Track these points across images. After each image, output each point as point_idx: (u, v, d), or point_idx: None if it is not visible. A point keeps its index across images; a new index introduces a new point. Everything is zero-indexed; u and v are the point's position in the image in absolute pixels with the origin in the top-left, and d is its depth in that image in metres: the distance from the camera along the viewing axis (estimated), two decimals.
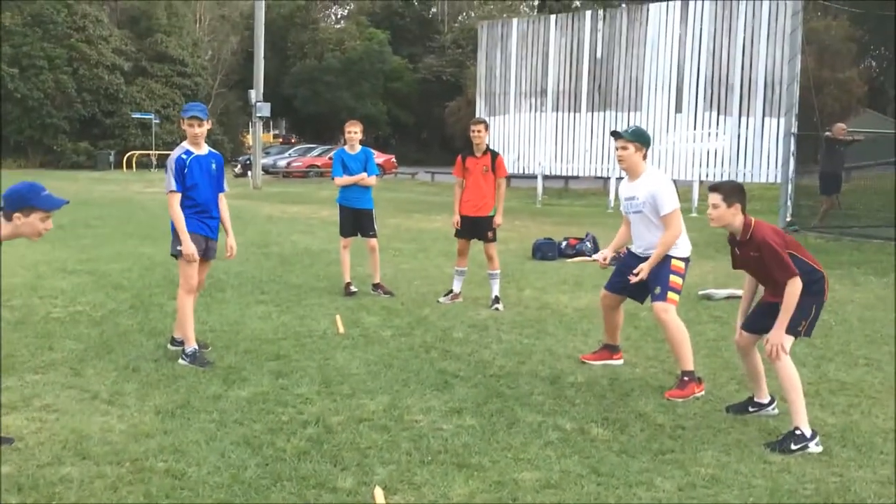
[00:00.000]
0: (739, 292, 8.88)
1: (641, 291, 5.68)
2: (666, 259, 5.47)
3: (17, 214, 3.92)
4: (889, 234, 13.83)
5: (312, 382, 5.40)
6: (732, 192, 4.66)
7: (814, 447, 4.31)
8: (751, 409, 4.95)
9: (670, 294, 5.44)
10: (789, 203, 15.16)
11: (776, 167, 17.47)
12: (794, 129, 15.35)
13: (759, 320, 4.76)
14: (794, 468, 4.08)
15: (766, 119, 18.43)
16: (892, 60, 44.63)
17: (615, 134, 5.71)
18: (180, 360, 5.76)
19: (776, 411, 4.89)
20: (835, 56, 34.14)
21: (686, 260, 5.58)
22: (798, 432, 4.34)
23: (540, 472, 3.98)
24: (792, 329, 4.48)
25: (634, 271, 5.50)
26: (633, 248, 5.81)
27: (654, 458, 4.21)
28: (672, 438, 4.50)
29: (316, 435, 4.42)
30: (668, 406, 5.07)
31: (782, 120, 16.73)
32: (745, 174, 19.34)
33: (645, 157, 5.66)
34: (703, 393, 5.32)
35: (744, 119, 18.97)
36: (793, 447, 4.28)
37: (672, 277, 5.46)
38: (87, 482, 3.73)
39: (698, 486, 3.84)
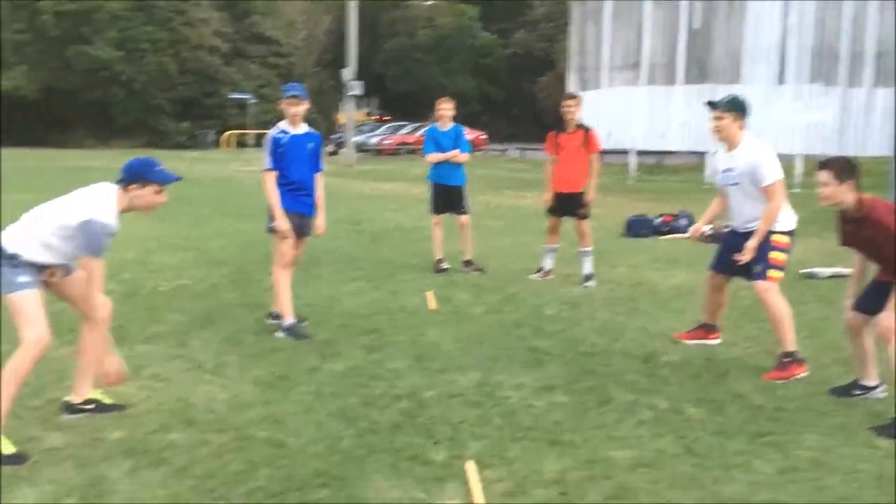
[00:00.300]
0: (845, 271, 8.54)
1: (747, 269, 5.43)
2: (769, 235, 5.27)
3: (132, 186, 4.11)
4: None
5: (404, 357, 5.48)
6: (844, 169, 4.48)
7: None
8: (856, 392, 4.76)
9: (771, 272, 5.24)
10: None
11: (887, 139, 16.60)
12: None
13: (872, 300, 4.56)
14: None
15: (876, 90, 17.54)
16: None
17: (711, 104, 5.48)
18: (278, 333, 5.94)
19: (884, 395, 4.68)
20: None
21: (790, 233, 5.35)
22: None
23: (633, 451, 3.94)
24: None
25: (739, 255, 5.29)
26: (734, 224, 5.62)
27: (752, 440, 4.11)
28: (771, 420, 4.38)
29: (409, 409, 4.49)
30: (768, 388, 4.93)
31: (894, 90, 15.88)
32: (852, 147, 18.45)
33: (742, 126, 5.45)
34: (805, 374, 5.14)
35: (851, 90, 18.11)
36: None
37: (773, 254, 5.26)
38: (193, 448, 3.90)
39: (800, 470, 3.73)
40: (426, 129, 9.05)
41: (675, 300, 7.42)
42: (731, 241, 5.56)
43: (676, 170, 26.61)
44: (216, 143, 42.41)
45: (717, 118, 5.40)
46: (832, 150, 19.15)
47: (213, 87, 45.23)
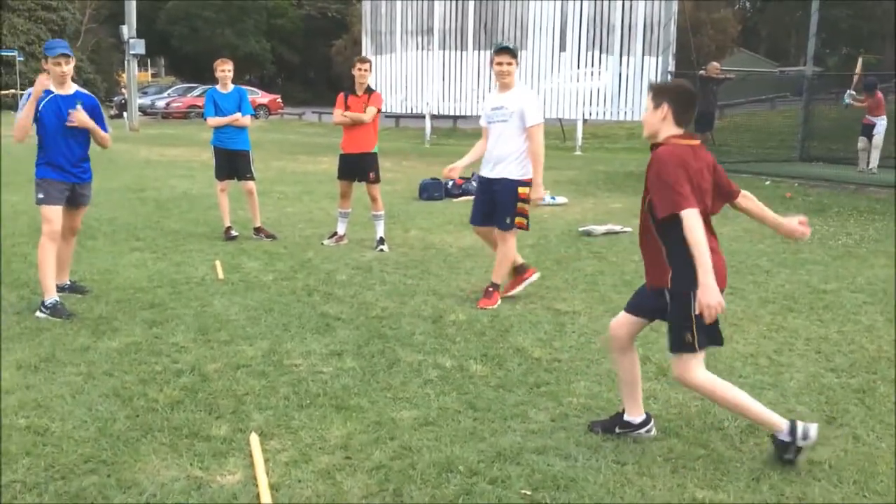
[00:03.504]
0: (618, 228, 9.19)
1: (498, 215, 6.06)
2: (515, 187, 5.91)
3: None
4: (758, 169, 14.53)
5: (188, 330, 5.25)
6: (663, 92, 3.55)
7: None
8: (618, 431, 3.74)
9: (518, 219, 5.98)
10: None
11: None
12: (671, 68, 15.77)
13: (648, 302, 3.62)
14: (660, 394, 4.27)
15: (646, 58, 18.86)
16: (765, 1, 46.41)
17: (506, 49, 5.99)
18: (38, 313, 5.46)
19: (652, 433, 3.76)
20: None
21: (528, 184, 5.99)
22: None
23: (418, 411, 4.01)
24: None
25: (539, 197, 6.00)
26: (484, 171, 6.14)
27: (530, 391, 4.32)
28: (548, 371, 4.62)
29: (191, 384, 4.31)
30: (545, 340, 5.20)
31: (660, 59, 17.14)
32: (625, 112, 19.78)
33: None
34: (497, 303, 6.02)
35: (625, 58, 19.35)
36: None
37: (520, 205, 5.96)
38: None
39: (570, 416, 3.97)
40: (207, 91, 8.64)
41: (464, 261, 7.63)
42: (484, 189, 6.13)
43: (471, 134, 27.34)
44: None
45: (509, 63, 5.96)
46: (610, 115, 20.46)
47: None
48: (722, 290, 3.27)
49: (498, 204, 5.99)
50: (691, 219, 3.23)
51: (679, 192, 3.27)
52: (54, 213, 5.57)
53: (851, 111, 15.27)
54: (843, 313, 5.88)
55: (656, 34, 18.15)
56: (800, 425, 3.39)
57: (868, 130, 14.20)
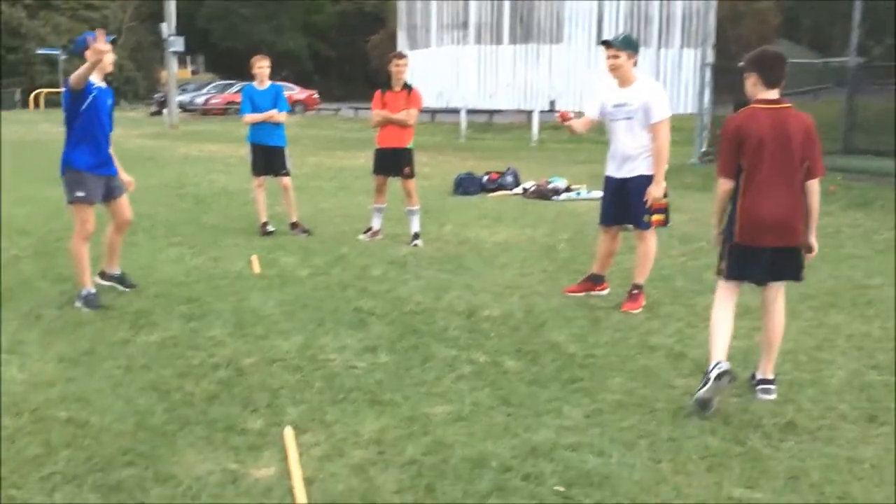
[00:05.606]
0: None
1: (634, 214, 5.79)
2: (648, 184, 5.63)
3: None
4: None
5: (225, 325, 5.31)
6: (747, 62, 4.08)
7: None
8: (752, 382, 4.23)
9: (656, 216, 5.73)
10: (705, 133, 15.44)
11: (694, 97, 17.71)
12: (711, 60, 15.54)
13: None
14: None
15: (684, 50, 18.61)
16: None
17: (606, 43, 5.70)
18: (75, 304, 5.59)
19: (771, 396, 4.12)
20: None
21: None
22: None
23: (451, 406, 4.01)
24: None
25: (646, 198, 5.62)
26: (611, 170, 5.89)
27: (564, 387, 4.29)
28: (582, 367, 4.59)
29: (227, 377, 4.35)
30: (580, 336, 5.16)
31: (699, 51, 16.89)
32: None
33: (636, 64, 5.71)
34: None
35: (662, 51, 19.12)
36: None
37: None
38: None
39: (604, 413, 3.94)
40: (243, 88, 8.72)
41: (499, 256, 7.61)
42: (612, 189, 5.89)
43: (506, 128, 27.25)
44: (24, 103, 39.12)
45: (614, 56, 5.60)
46: None
47: (16, 41, 41.54)
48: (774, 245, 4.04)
49: (632, 203, 5.72)
50: (719, 185, 4.11)
51: (720, 162, 4.12)
52: (91, 213, 5.70)
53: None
54: (885, 309, 5.75)
55: (695, 25, 17.89)
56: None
57: None
